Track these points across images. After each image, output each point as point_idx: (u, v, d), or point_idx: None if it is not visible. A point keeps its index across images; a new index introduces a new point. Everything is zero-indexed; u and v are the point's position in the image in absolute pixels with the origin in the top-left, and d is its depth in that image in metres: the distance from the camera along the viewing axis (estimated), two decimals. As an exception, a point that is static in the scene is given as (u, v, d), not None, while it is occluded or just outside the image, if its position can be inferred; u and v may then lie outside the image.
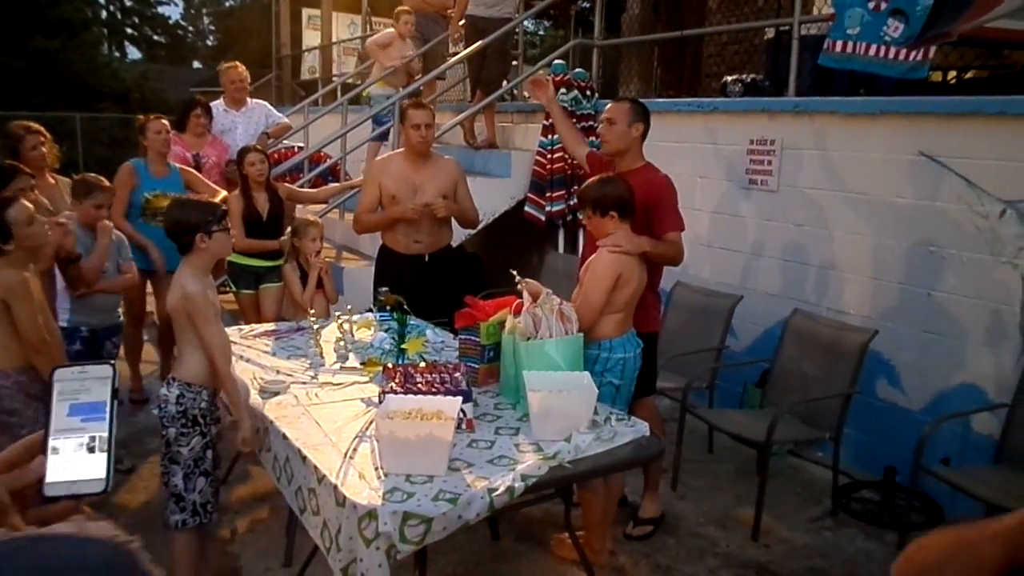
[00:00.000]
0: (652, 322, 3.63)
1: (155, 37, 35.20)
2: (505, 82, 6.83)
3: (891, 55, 4.46)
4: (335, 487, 2.32)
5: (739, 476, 4.35)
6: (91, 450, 0.88)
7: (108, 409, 0.90)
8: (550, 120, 5.96)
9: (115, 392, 0.91)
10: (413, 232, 4.27)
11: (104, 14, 29.89)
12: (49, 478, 0.86)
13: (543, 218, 6.00)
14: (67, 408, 0.89)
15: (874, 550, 3.64)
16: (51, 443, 0.88)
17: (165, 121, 5.01)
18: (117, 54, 30.90)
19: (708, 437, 4.59)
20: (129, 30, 33.50)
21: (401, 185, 4.24)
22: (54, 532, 0.70)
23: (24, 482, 0.85)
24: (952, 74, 6.94)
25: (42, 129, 4.57)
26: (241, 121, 6.10)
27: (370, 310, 4.12)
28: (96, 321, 4.10)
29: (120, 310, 4.36)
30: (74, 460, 0.87)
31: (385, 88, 6.97)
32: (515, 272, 3.16)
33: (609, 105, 3.69)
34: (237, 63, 6.26)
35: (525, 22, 6.51)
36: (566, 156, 5.88)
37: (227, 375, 2.84)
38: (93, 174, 4.33)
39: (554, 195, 5.93)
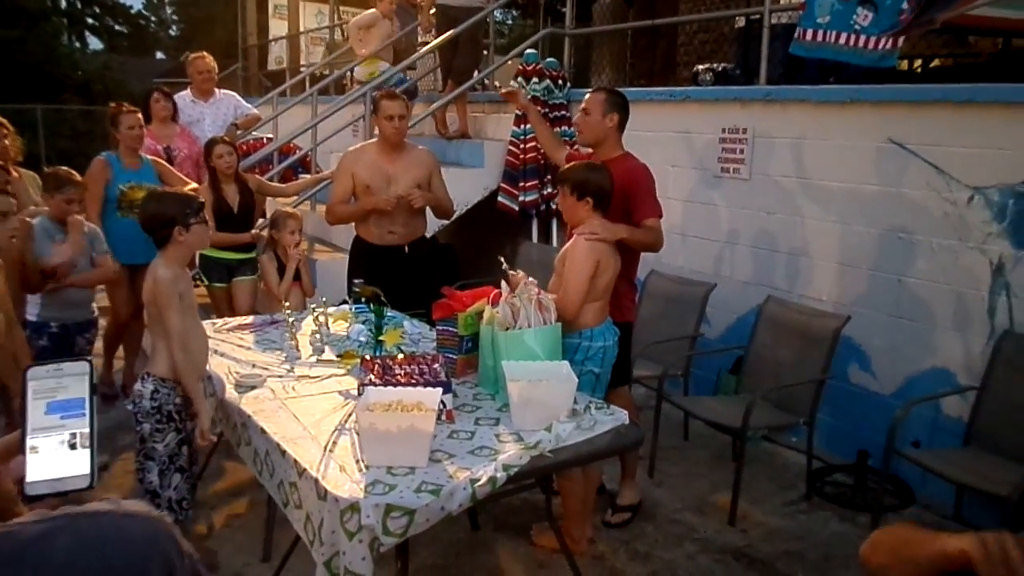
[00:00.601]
0: (627, 312, 3.63)
1: (116, 27, 34.55)
2: (476, 72, 6.81)
3: (861, 43, 4.50)
4: (316, 480, 2.31)
5: (715, 462, 4.39)
6: (72, 447, 0.87)
7: (87, 405, 0.89)
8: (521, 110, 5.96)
9: (94, 388, 0.91)
10: (387, 223, 4.24)
11: (64, 3, 29.29)
12: (30, 477, 0.85)
13: (516, 208, 6.00)
14: (44, 407, 0.88)
15: (848, 532, 3.70)
16: (29, 442, 0.87)
17: (139, 115, 4.92)
18: (78, 44, 30.29)
19: (684, 424, 4.63)
20: (90, 20, 32.81)
21: (375, 175, 4.21)
22: (93, 508, 0.72)
23: (4, 483, 0.84)
24: (918, 63, 7.03)
25: (5, 121, 4.49)
26: (209, 112, 6.02)
27: (345, 302, 4.09)
28: (66, 316, 4.02)
29: (94, 305, 4.27)
30: (56, 458, 0.87)
31: (371, 66, 6.89)
32: (503, 259, 3.17)
33: (586, 95, 3.70)
34: (204, 53, 6.17)
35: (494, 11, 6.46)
36: (539, 146, 5.88)
37: (183, 365, 2.79)
38: (65, 168, 4.24)
39: (527, 185, 5.92)
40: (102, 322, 5.57)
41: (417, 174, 4.27)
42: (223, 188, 4.72)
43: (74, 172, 4.21)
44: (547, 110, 5.94)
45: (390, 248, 4.27)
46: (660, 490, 4.06)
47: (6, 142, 4.42)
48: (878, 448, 3.94)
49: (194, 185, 4.89)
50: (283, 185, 5.84)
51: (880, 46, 4.42)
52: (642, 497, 3.85)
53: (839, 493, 4.03)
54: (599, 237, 3.19)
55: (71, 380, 0.90)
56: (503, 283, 3.09)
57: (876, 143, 4.20)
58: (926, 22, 4.25)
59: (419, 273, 4.26)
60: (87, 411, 0.89)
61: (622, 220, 3.39)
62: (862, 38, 4.49)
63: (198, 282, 5.62)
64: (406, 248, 4.30)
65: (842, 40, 4.57)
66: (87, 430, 0.88)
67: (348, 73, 9.31)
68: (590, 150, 3.71)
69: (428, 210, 4.42)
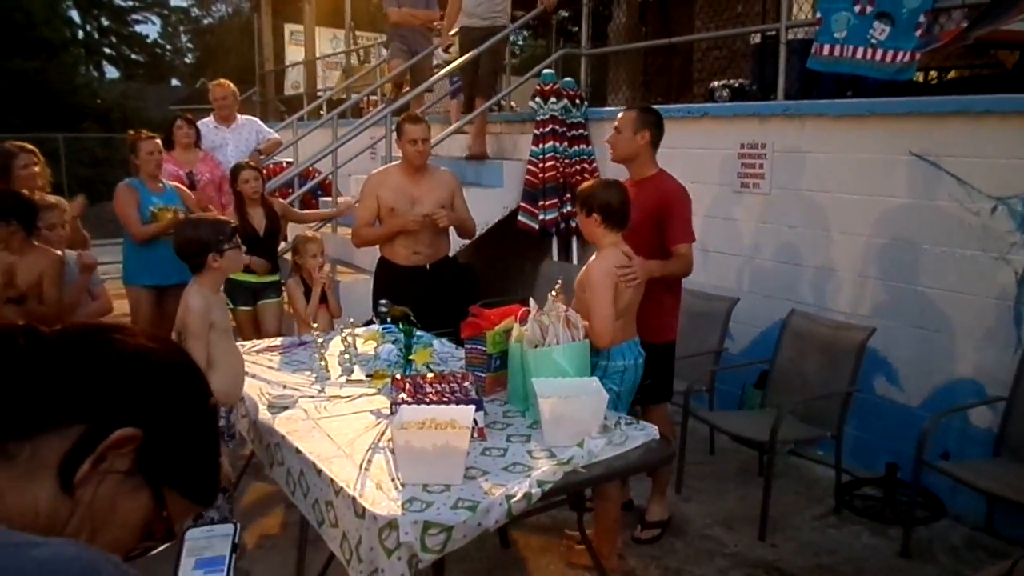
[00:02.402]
0: (670, 331, 3.68)
1: (133, 56, 35.10)
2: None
3: (878, 57, 4.53)
4: (353, 499, 2.33)
5: (742, 477, 4.38)
6: None
7: (226, 563, 0.99)
8: (540, 129, 6.01)
9: (235, 547, 1.00)
10: (413, 244, 4.29)
11: (82, 34, 29.78)
12: None
13: (536, 227, 6.03)
14: (192, 563, 0.99)
15: (879, 545, 3.68)
16: None
17: (158, 141, 5.00)
18: (96, 74, 30.76)
19: (709, 439, 4.62)
20: (107, 49, 33.38)
21: (399, 197, 4.27)
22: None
23: None
24: (934, 74, 7.05)
25: (35, 150, 4.57)
26: (231, 137, 6.11)
27: (371, 322, 4.13)
28: None
29: None
30: None
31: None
32: (559, 283, 3.19)
33: (621, 113, 3.75)
34: (224, 80, 6.27)
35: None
36: (558, 164, 5.93)
37: None
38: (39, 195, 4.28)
39: (547, 203, 5.96)
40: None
41: (440, 195, 4.32)
42: (249, 212, 4.78)
43: (48, 197, 4.25)
44: (565, 129, 5.99)
45: (415, 268, 4.31)
46: (688, 505, 4.05)
47: (35, 169, 4.50)
48: (907, 460, 3.93)
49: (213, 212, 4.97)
50: (305, 212, 5.91)
51: (898, 59, 4.45)
52: (671, 513, 3.85)
53: (869, 506, 4.01)
54: (639, 280, 3.19)
55: (218, 540, 1.01)
56: (531, 301, 3.12)
57: (896, 155, 4.21)
58: (960, 38, 4.27)
59: (443, 293, 4.30)
60: (225, 568, 0.98)
61: (655, 241, 3.42)
62: (879, 51, 4.52)
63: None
64: (428, 267, 4.34)
65: (859, 54, 4.61)
66: None
67: (366, 97, 9.43)
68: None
69: (451, 230, 4.47)
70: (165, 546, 0.94)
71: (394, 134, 6.28)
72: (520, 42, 23.40)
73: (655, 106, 4.20)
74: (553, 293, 3.15)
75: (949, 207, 4.01)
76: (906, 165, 4.17)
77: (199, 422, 0.95)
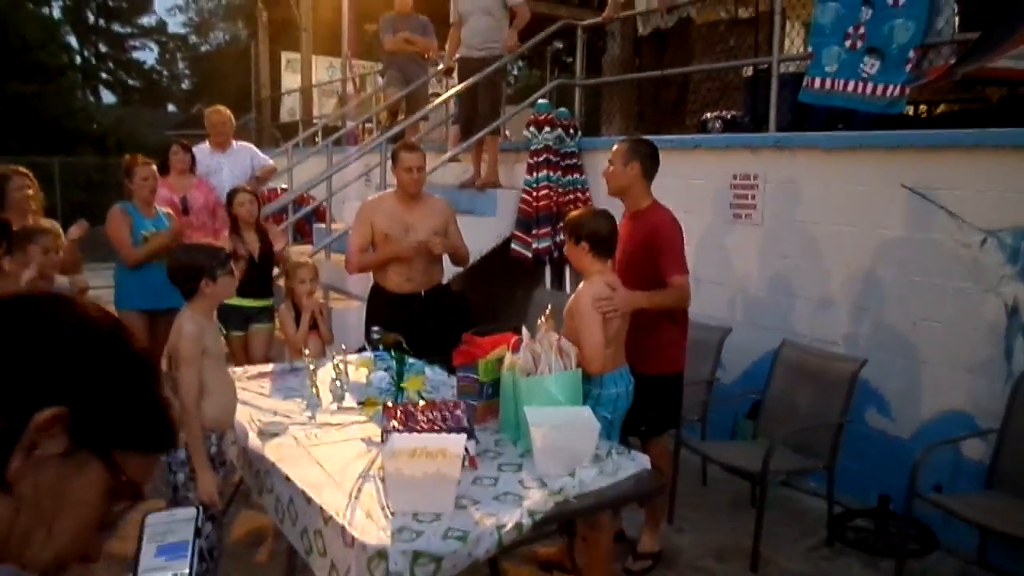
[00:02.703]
0: (674, 363, 3.70)
1: (130, 81, 35.25)
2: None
3: (868, 91, 4.59)
4: (343, 528, 2.32)
5: (734, 507, 4.36)
6: None
7: (190, 548, 0.96)
8: (534, 159, 6.05)
9: (198, 531, 0.97)
10: (406, 271, 4.30)
11: (79, 59, 29.94)
12: None
13: (530, 255, 6.05)
14: (155, 550, 0.95)
15: (872, 578, 3.66)
16: None
17: (153, 168, 5.01)
18: (93, 98, 30.87)
19: (701, 470, 4.61)
20: (104, 75, 33.54)
21: (394, 224, 4.28)
22: None
23: None
24: (923, 108, 7.12)
25: (29, 173, 4.57)
26: (227, 162, 6.13)
27: (363, 349, 4.12)
28: None
29: None
30: None
31: None
32: (548, 310, 3.24)
33: (614, 146, 3.78)
34: (220, 107, 6.30)
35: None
36: (551, 193, 5.96)
37: (191, 424, 2.79)
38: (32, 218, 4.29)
39: (540, 232, 5.98)
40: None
41: (435, 222, 4.33)
42: (244, 236, 4.79)
43: (42, 222, 4.24)
44: (558, 158, 6.03)
45: (408, 296, 4.31)
46: (680, 536, 4.03)
47: (29, 192, 4.50)
48: (899, 492, 3.92)
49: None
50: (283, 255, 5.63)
51: (888, 93, 4.50)
52: (662, 544, 3.82)
53: (861, 538, 3.99)
54: (620, 312, 3.22)
55: (180, 524, 0.97)
56: (523, 329, 3.12)
57: (888, 188, 4.25)
58: (948, 75, 4.33)
59: (437, 320, 4.30)
60: (189, 554, 0.95)
61: (648, 273, 3.44)
62: (870, 85, 4.57)
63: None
64: (423, 294, 4.34)
65: (850, 88, 4.66)
66: (187, 571, 0.94)
67: (361, 124, 9.48)
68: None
69: (445, 258, 4.48)
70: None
71: (389, 162, 6.34)
72: (515, 72, 23.64)
73: (648, 137, 4.23)
74: (542, 320, 3.17)
75: (940, 239, 4.04)
76: (897, 197, 4.21)
77: (126, 375, 0.87)
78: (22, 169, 4.59)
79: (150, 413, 0.89)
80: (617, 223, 3.42)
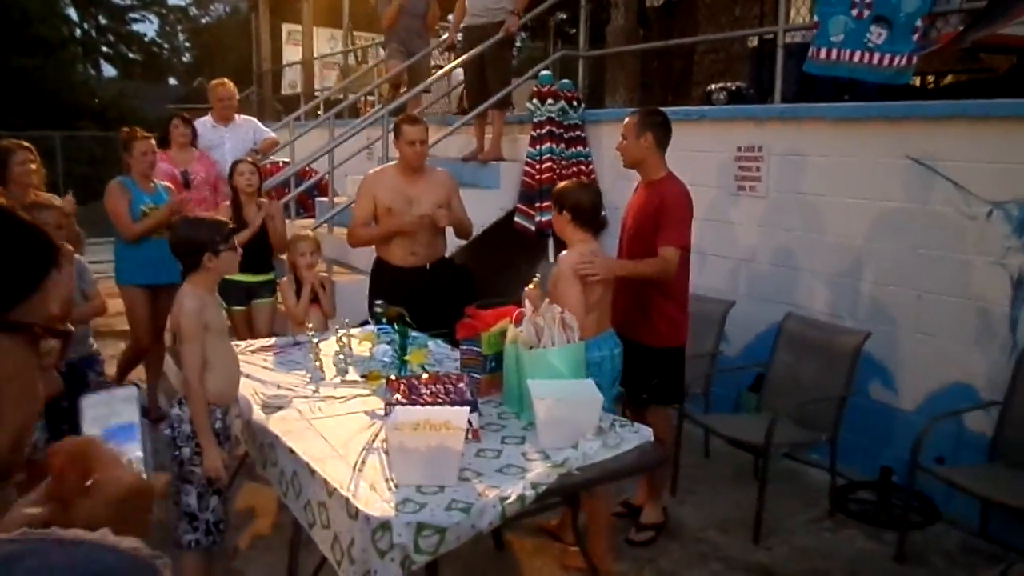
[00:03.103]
0: (679, 335, 3.73)
1: (131, 55, 35.01)
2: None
3: (875, 61, 4.54)
4: (347, 500, 2.32)
5: (736, 480, 4.38)
6: None
7: (139, 430, 0.90)
8: (537, 131, 6.01)
9: (143, 411, 0.94)
10: (410, 244, 4.28)
11: (79, 32, 29.71)
12: None
13: (533, 228, 6.03)
14: (100, 434, 0.89)
15: (874, 549, 3.68)
16: None
17: (152, 142, 4.98)
18: (93, 72, 30.68)
19: (704, 442, 4.62)
20: (105, 48, 33.29)
21: (396, 198, 4.25)
22: (76, 536, 0.69)
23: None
24: (931, 79, 7.06)
25: (32, 148, 4.55)
26: (229, 136, 6.09)
27: (366, 322, 4.11)
28: (72, 354, 3.91)
29: (92, 340, 4.18)
30: None
31: None
32: (536, 278, 3.25)
33: (625, 119, 3.76)
34: (225, 80, 6.26)
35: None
36: (554, 166, 5.92)
37: (195, 399, 2.78)
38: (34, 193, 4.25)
39: (543, 205, 5.94)
40: (122, 345, 5.65)
41: (438, 195, 4.30)
42: (244, 207, 4.77)
43: (50, 196, 4.22)
44: (562, 131, 5.99)
45: (412, 269, 4.30)
46: (683, 508, 4.05)
47: (32, 167, 4.48)
48: (901, 465, 3.93)
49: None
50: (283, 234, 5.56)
51: (895, 63, 4.45)
52: (666, 516, 3.84)
53: (864, 510, 4.01)
54: (598, 279, 3.27)
55: (122, 406, 0.91)
56: (526, 302, 3.12)
57: (893, 159, 4.21)
58: (957, 41, 4.28)
59: (440, 294, 4.29)
60: (139, 435, 0.90)
61: (654, 244, 3.48)
62: (876, 55, 4.52)
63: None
64: (427, 268, 4.33)
65: (856, 58, 4.61)
66: (140, 454, 0.88)
67: (363, 97, 9.41)
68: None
69: (449, 231, 4.46)
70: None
71: (391, 135, 6.30)
72: (518, 43, 23.45)
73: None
74: (530, 287, 3.21)
75: (945, 211, 4.01)
76: (902, 169, 4.18)
77: None
78: (25, 144, 4.57)
79: (17, 252, 0.81)
80: (602, 196, 3.61)
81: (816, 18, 4.85)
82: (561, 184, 3.61)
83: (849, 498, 4.12)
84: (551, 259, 6.15)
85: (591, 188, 3.55)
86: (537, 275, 3.43)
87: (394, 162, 4.52)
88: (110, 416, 0.90)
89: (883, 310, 4.30)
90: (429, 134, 4.49)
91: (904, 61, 4.42)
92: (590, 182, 3.64)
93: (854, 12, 4.59)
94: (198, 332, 2.78)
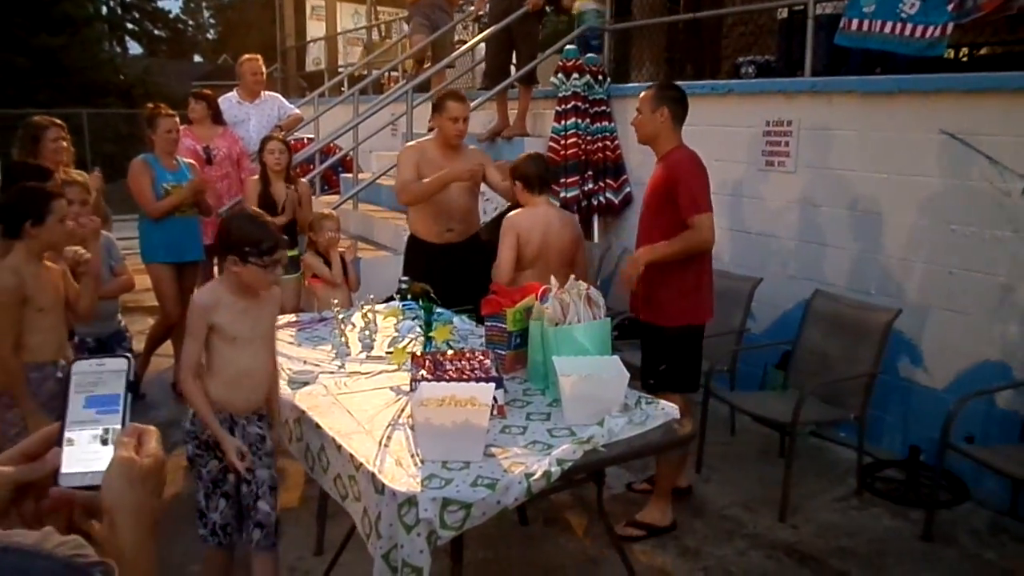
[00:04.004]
0: (687, 314, 3.54)
1: (156, 32, 35.15)
2: (513, 68, 6.78)
3: (907, 32, 4.44)
4: (373, 475, 2.33)
5: (762, 458, 4.36)
6: (104, 442, 0.88)
7: (122, 402, 0.90)
8: (562, 106, 5.95)
9: (129, 385, 0.91)
10: (447, 221, 4.31)
11: (105, 9, 29.83)
12: (64, 469, 0.86)
13: (557, 204, 5.98)
14: (83, 400, 0.90)
15: (901, 528, 3.65)
16: (67, 434, 0.88)
17: (176, 119, 4.99)
18: (119, 49, 30.84)
19: (730, 419, 4.60)
20: (130, 25, 33.43)
21: (434, 172, 4.27)
22: (9, 542, 0.67)
23: (41, 473, 0.85)
24: (965, 51, 6.89)
25: (63, 125, 4.58)
26: (254, 112, 6.11)
27: (391, 298, 4.12)
28: (98, 330, 3.94)
29: (120, 316, 4.21)
30: (88, 452, 0.88)
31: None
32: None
33: (641, 93, 3.69)
34: (256, 56, 6.28)
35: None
36: (579, 142, 5.87)
37: (188, 395, 2.65)
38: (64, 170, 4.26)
39: (568, 181, 5.91)
40: (150, 321, 5.71)
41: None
42: (272, 184, 4.79)
43: (73, 172, 4.22)
44: (587, 106, 5.93)
45: (447, 245, 4.30)
46: (708, 486, 4.04)
47: (64, 144, 4.51)
48: (929, 444, 3.89)
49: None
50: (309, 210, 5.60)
51: (928, 34, 4.35)
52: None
53: (891, 489, 3.97)
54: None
55: (110, 376, 0.91)
56: (551, 278, 3.10)
57: (926, 134, 4.13)
58: (1003, 7, 4.17)
59: (473, 270, 4.28)
60: (121, 408, 0.90)
61: (669, 217, 3.41)
62: (908, 26, 4.42)
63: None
64: (462, 244, 4.31)
65: (888, 29, 4.51)
66: (119, 427, 0.88)
67: (387, 73, 9.37)
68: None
69: (480, 209, 4.45)
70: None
71: (416, 110, 6.28)
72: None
73: (680, 83, 4.13)
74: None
75: (979, 187, 3.94)
76: (936, 144, 4.10)
77: None
78: (58, 121, 4.60)
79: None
80: (547, 165, 4.03)
81: (848, -12, 4.75)
82: (515, 159, 4.03)
83: (876, 476, 4.09)
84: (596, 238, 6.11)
85: (536, 159, 3.99)
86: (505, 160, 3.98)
87: (430, 137, 4.51)
88: (96, 385, 0.91)
89: (914, 287, 4.24)
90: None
91: (938, 32, 4.32)
92: (536, 153, 4.04)
93: (887, -19, 4.48)
94: (199, 329, 2.61)
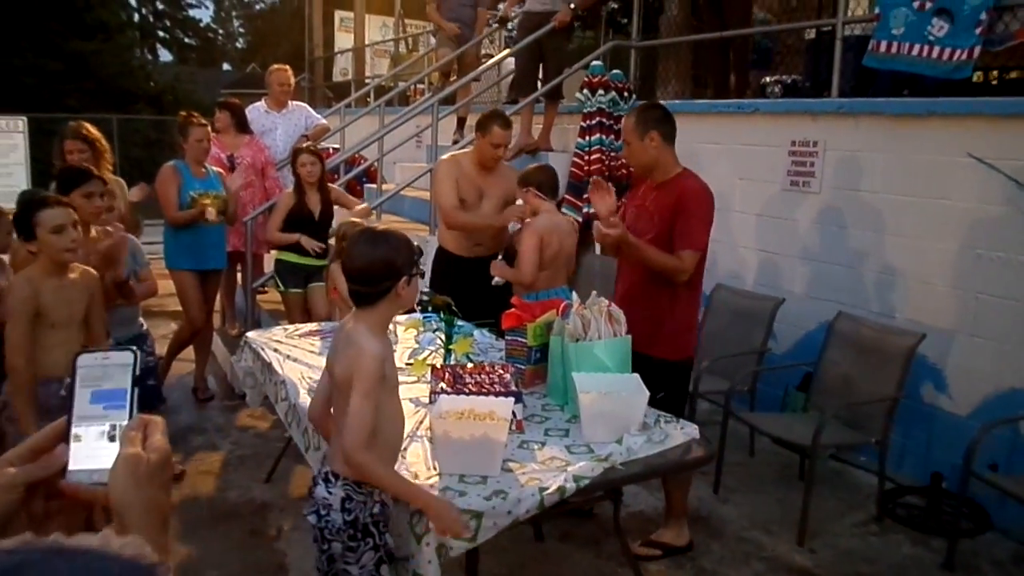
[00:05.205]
0: (686, 349, 3.45)
1: (186, 40, 35.60)
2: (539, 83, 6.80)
3: (935, 55, 4.41)
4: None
5: (781, 480, 4.32)
6: (112, 439, 0.86)
7: (128, 397, 0.88)
8: (587, 122, 5.96)
9: (135, 380, 0.89)
10: (477, 236, 4.36)
11: (137, 17, 30.28)
12: (72, 466, 0.85)
13: (580, 219, 5.98)
14: (89, 395, 0.88)
15: (922, 556, 3.60)
16: (74, 430, 0.86)
17: (208, 128, 5.04)
18: (150, 56, 31.26)
19: (749, 441, 4.56)
20: (161, 33, 33.91)
21: (469, 190, 4.32)
22: (77, 545, 0.68)
23: (49, 471, 0.84)
24: (994, 74, 6.84)
25: (95, 135, 4.58)
26: (281, 122, 6.17)
27: (412, 310, 4.13)
28: (121, 333, 3.91)
29: (141, 320, 4.21)
30: (96, 448, 0.86)
31: None
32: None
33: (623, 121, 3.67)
34: (286, 66, 6.35)
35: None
36: (603, 158, 5.87)
37: (367, 463, 2.13)
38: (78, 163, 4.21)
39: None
40: (173, 325, 5.75)
41: (506, 189, 4.32)
42: (306, 195, 4.86)
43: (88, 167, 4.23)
44: (612, 122, 5.93)
45: (475, 259, 4.32)
46: (726, 507, 4.00)
47: (105, 154, 4.56)
48: (952, 471, 3.84)
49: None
50: (355, 202, 5.80)
51: (955, 57, 4.33)
52: (708, 513, 3.76)
53: (912, 516, 3.92)
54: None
55: (116, 370, 0.89)
56: (573, 294, 3.10)
57: (953, 157, 4.10)
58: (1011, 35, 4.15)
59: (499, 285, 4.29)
60: (127, 403, 0.88)
61: (666, 249, 3.23)
62: (936, 49, 4.40)
63: (264, 289, 5.75)
64: (499, 256, 4.31)
65: (915, 51, 4.49)
66: (126, 422, 0.86)
67: (413, 85, 9.43)
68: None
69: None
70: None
71: (441, 122, 6.31)
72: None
73: (703, 101, 4.13)
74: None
75: (1006, 212, 3.89)
76: (963, 167, 4.06)
77: None
78: (85, 130, 4.57)
79: None
80: (558, 175, 4.09)
81: (877, 10, 4.73)
82: (525, 170, 4.05)
83: (897, 503, 4.03)
84: (597, 251, 6.11)
85: (545, 167, 4.13)
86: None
87: (466, 151, 4.54)
88: (103, 379, 0.89)
89: (939, 311, 4.19)
90: (476, 121, 4.49)
91: (965, 55, 4.29)
92: (544, 164, 4.17)
93: (915, 4, 4.47)
94: (378, 385, 2.14)
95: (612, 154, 5.91)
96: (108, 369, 0.89)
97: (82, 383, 0.88)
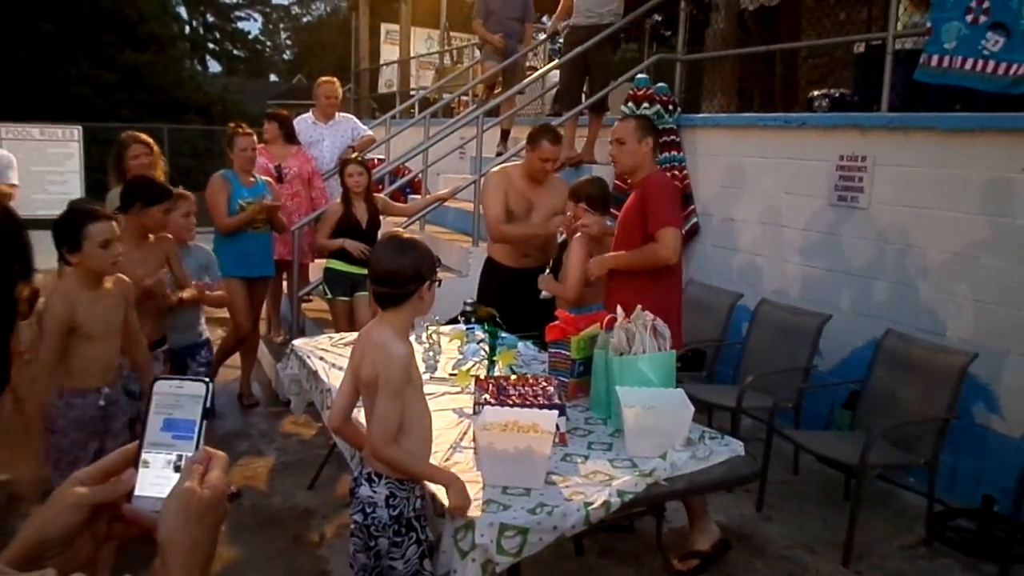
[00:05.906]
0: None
1: (235, 51, 36.32)
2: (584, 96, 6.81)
3: (989, 69, 4.33)
4: (433, 495, 2.35)
5: (825, 499, 4.24)
6: (176, 468, 0.87)
7: (196, 429, 0.89)
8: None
9: (206, 412, 0.90)
10: (525, 247, 4.39)
11: (188, 30, 30.96)
12: (138, 491, 0.86)
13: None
14: (161, 422, 0.89)
15: (972, 581, 3.51)
16: (144, 456, 0.87)
17: (253, 138, 5.13)
18: (200, 68, 31.91)
19: (794, 458, 4.49)
20: (211, 45, 34.64)
21: (519, 202, 4.35)
22: None
23: (116, 494, 0.85)
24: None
25: (150, 141, 4.68)
26: (328, 133, 6.25)
27: (455, 320, 4.15)
28: (173, 340, 3.88)
29: (202, 327, 4.25)
30: (160, 476, 0.87)
31: None
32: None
33: (616, 124, 3.82)
34: (333, 79, 6.43)
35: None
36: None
37: (398, 454, 2.25)
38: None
39: (635, 209, 5.89)
40: (220, 332, 5.85)
41: (555, 202, 4.35)
42: (354, 204, 4.95)
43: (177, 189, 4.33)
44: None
45: (524, 271, 4.33)
46: (769, 525, 3.95)
47: (144, 160, 4.63)
48: (1004, 494, 3.75)
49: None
50: (404, 206, 5.99)
51: (1011, 72, 4.24)
52: (751, 531, 3.72)
53: (963, 539, 3.83)
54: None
55: (188, 400, 0.90)
56: (618, 308, 3.09)
57: (1008, 173, 4.02)
58: None
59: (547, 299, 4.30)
60: (195, 435, 0.88)
61: (643, 237, 3.53)
62: (991, 63, 4.32)
63: (310, 297, 5.83)
64: (539, 270, 4.34)
65: (968, 66, 4.41)
66: (192, 454, 0.87)
67: (458, 97, 9.50)
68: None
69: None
70: None
71: (486, 135, 6.34)
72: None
73: (749, 114, 4.12)
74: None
75: (1064, 229, 3.80)
76: (1016, 183, 3.98)
77: None
78: (143, 136, 4.68)
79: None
80: (608, 188, 4.10)
81: (929, 24, 4.66)
82: (576, 182, 4.10)
83: (947, 526, 3.94)
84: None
85: (598, 181, 4.13)
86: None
87: (516, 163, 4.58)
88: (175, 408, 0.90)
89: (991, 330, 4.10)
90: (521, 133, 4.53)
91: (1021, 70, 4.20)
92: (597, 176, 4.19)
93: (968, 18, 4.39)
94: (404, 386, 2.24)
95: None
96: (181, 398, 0.90)
97: (156, 410, 0.89)
